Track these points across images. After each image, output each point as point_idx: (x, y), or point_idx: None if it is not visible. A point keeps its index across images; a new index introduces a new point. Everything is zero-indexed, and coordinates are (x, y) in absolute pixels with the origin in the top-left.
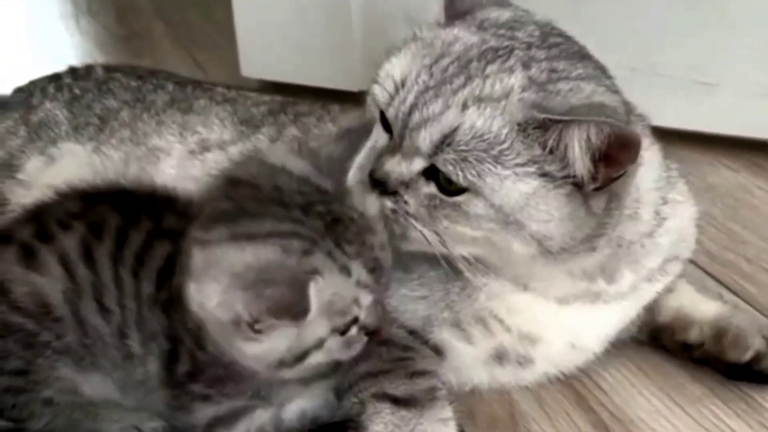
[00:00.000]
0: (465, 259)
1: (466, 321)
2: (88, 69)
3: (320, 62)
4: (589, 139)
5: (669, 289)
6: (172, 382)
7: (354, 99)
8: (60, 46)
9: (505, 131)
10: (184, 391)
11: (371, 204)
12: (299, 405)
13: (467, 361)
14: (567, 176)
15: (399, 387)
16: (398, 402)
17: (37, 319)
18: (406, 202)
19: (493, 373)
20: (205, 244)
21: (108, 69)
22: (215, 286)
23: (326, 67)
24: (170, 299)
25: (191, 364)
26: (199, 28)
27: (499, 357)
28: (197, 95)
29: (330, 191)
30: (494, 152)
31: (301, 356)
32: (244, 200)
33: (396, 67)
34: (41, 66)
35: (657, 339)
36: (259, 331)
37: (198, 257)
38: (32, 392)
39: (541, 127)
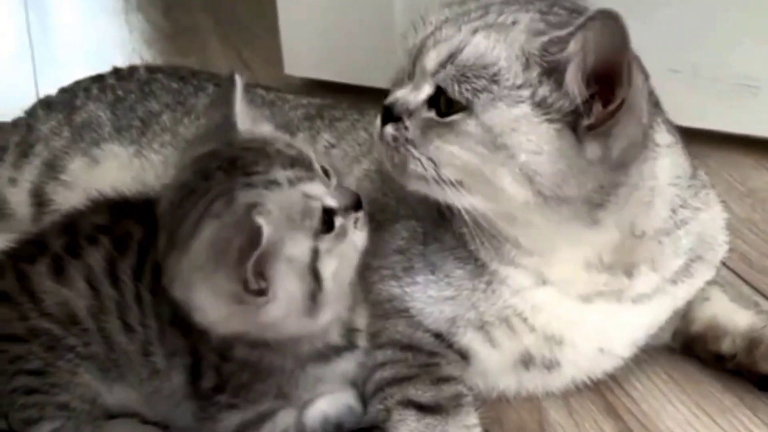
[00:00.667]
0: (453, 184)
1: (490, 322)
2: (131, 70)
3: (362, 61)
4: (582, 51)
5: (703, 298)
6: (197, 395)
7: None
8: (108, 42)
9: (505, 54)
10: (210, 402)
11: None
12: (322, 409)
13: (493, 365)
14: (560, 109)
15: (424, 394)
16: (423, 409)
17: (65, 326)
18: (406, 128)
19: (519, 378)
20: (172, 281)
21: (150, 70)
22: (202, 293)
23: (368, 66)
24: (186, 322)
25: (216, 377)
26: (246, 25)
27: (525, 361)
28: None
29: (217, 147)
30: (492, 72)
31: (315, 275)
32: (169, 222)
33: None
34: (89, 63)
35: (690, 348)
36: (262, 291)
37: (177, 293)
38: (47, 394)
39: (541, 52)
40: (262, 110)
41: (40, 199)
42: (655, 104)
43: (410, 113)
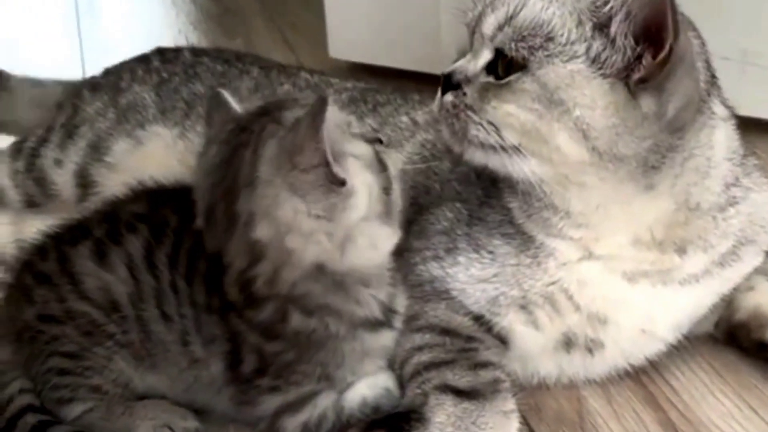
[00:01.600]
0: (517, 149)
1: (533, 301)
2: (176, 52)
3: (407, 45)
4: (628, 4)
5: (748, 287)
6: (237, 379)
7: (439, 83)
8: (155, 23)
9: (558, 12)
10: (251, 386)
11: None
12: (360, 392)
13: (533, 348)
14: (613, 63)
15: (462, 379)
16: (461, 394)
17: (106, 312)
18: (464, 94)
19: (560, 362)
20: (250, 220)
21: (195, 52)
22: (286, 201)
23: (413, 51)
24: (225, 305)
25: (257, 360)
26: (292, 7)
27: (567, 343)
28: (281, 81)
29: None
30: (547, 30)
31: (381, 165)
32: (216, 194)
33: None
34: (136, 44)
35: (733, 337)
36: (343, 181)
37: (261, 230)
38: (81, 376)
39: (591, 7)
40: (306, 93)
41: (84, 181)
42: (712, 76)
43: (468, 80)
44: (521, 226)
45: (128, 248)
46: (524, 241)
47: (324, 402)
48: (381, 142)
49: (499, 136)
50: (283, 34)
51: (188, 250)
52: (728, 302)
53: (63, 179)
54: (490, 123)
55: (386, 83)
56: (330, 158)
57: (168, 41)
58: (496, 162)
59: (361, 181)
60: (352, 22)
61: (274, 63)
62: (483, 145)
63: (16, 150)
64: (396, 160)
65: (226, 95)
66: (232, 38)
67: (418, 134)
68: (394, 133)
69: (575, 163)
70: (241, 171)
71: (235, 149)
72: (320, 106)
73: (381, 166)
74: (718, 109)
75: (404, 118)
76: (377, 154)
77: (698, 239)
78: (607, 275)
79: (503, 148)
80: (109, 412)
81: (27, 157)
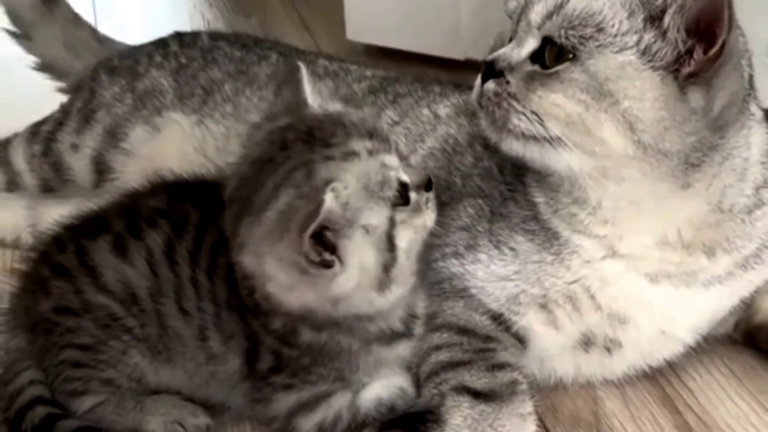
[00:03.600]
0: (559, 140)
1: (554, 300)
2: (194, 36)
3: (426, 29)
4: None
5: None
6: (253, 375)
7: (459, 68)
8: (173, 4)
9: (609, 2)
10: (266, 383)
11: None
12: (376, 392)
13: (552, 348)
14: (664, 56)
15: (479, 380)
16: (478, 396)
17: (125, 305)
18: (508, 82)
19: (578, 362)
20: (242, 247)
21: (213, 36)
22: (270, 259)
23: (432, 34)
24: (245, 305)
25: (274, 360)
26: None
27: (586, 343)
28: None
29: (293, 121)
30: (597, 20)
31: (391, 244)
32: (242, 192)
33: None
34: (151, 21)
35: (752, 339)
36: (328, 264)
37: (247, 260)
38: (94, 369)
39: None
40: (324, 81)
41: (101, 167)
42: (751, 76)
43: (512, 68)
44: (547, 221)
45: (148, 243)
46: (548, 237)
47: (339, 402)
48: (430, 185)
49: (542, 126)
50: (300, 13)
51: (210, 246)
52: (748, 304)
53: (80, 165)
54: (534, 113)
55: (403, 67)
56: (310, 254)
57: (184, 18)
58: (534, 153)
59: (357, 260)
60: (370, 4)
61: (293, 49)
62: (524, 135)
63: (32, 133)
64: (427, 220)
65: (303, 74)
66: (248, 16)
67: (440, 128)
68: (415, 127)
69: (619, 156)
70: (258, 195)
71: (269, 162)
72: (316, 210)
73: (389, 244)
74: (756, 110)
75: (425, 111)
76: (392, 229)
77: (725, 241)
78: (630, 275)
79: (545, 139)
80: (120, 406)
81: (44, 141)
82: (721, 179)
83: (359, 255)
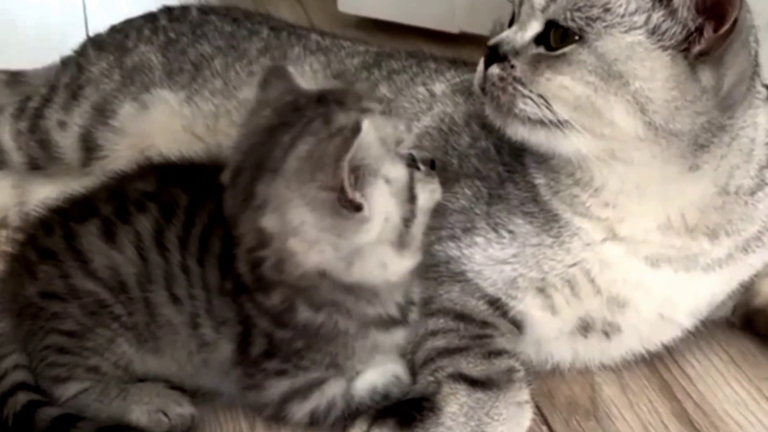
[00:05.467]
0: (567, 123)
1: (553, 284)
2: (184, 10)
3: (419, 1)
4: None
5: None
6: (245, 361)
7: (453, 41)
8: None
9: None
10: (258, 369)
11: None
12: (370, 380)
13: (549, 333)
14: (673, 35)
15: (475, 368)
16: (474, 383)
17: (114, 292)
18: (512, 67)
19: (576, 347)
20: (262, 207)
21: (203, 11)
22: (295, 207)
23: (426, 7)
24: (238, 287)
25: (267, 344)
26: None
27: (584, 327)
28: (292, 43)
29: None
30: (604, 1)
31: (411, 194)
32: (253, 158)
33: None
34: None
35: (750, 322)
36: (359, 206)
37: (268, 221)
38: (79, 356)
39: None
40: (317, 56)
41: (89, 145)
42: (756, 55)
43: (516, 52)
44: (547, 203)
45: (137, 227)
46: (547, 220)
47: (333, 390)
48: (434, 165)
49: (549, 110)
50: None
51: (201, 231)
52: (747, 288)
53: (67, 142)
54: (540, 96)
55: (396, 41)
56: (347, 185)
57: None
58: (540, 137)
59: (382, 208)
60: None
61: (284, 23)
62: (530, 120)
63: (19, 109)
64: (436, 191)
65: (290, 69)
66: None
67: (436, 106)
68: (410, 105)
69: (628, 137)
70: (273, 153)
71: (281, 125)
72: (353, 132)
73: (410, 196)
74: (761, 88)
75: (420, 89)
76: (412, 183)
77: (728, 224)
78: (630, 258)
79: (552, 123)
80: (104, 393)
81: (30, 117)
82: (728, 160)
83: (384, 203)
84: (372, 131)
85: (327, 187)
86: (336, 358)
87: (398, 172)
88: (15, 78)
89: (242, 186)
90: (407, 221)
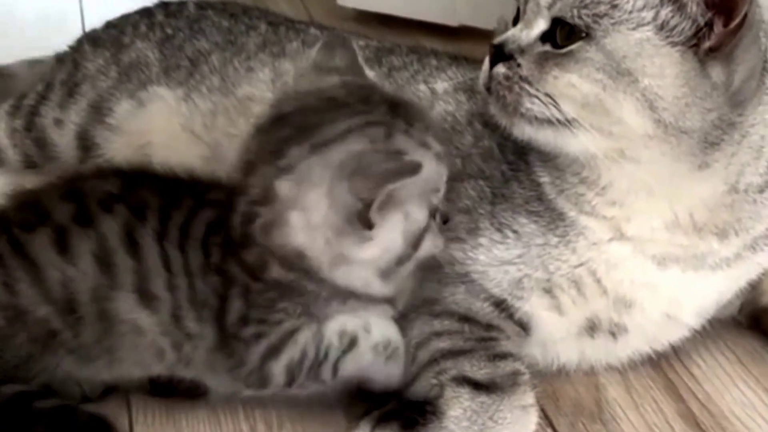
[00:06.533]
0: (576, 122)
1: (559, 284)
2: (180, 5)
3: None
4: None
5: None
6: (224, 338)
7: (453, 35)
8: None
9: None
10: (237, 340)
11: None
12: (340, 322)
13: (556, 334)
14: (682, 31)
15: (480, 370)
16: (478, 387)
17: (63, 315)
18: (519, 65)
19: (582, 347)
20: (287, 170)
21: (200, 6)
22: (318, 191)
23: (426, 0)
24: (226, 250)
25: (242, 304)
26: None
27: (591, 328)
28: (290, 38)
29: (370, 83)
30: None
31: (417, 242)
32: (302, 120)
33: None
34: None
35: (757, 321)
36: (371, 226)
37: (284, 185)
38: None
39: None
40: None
41: (86, 143)
42: (766, 50)
43: (522, 51)
44: (552, 202)
45: (101, 229)
46: (553, 219)
47: (304, 336)
48: (447, 221)
49: (557, 108)
50: None
51: (181, 221)
52: (754, 286)
53: (64, 141)
54: (548, 95)
55: (395, 34)
56: (375, 206)
57: None
58: (548, 136)
59: (388, 239)
60: None
61: (282, 18)
62: (537, 119)
63: (14, 107)
64: (438, 247)
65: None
66: None
67: (438, 105)
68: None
69: (638, 136)
70: (325, 128)
71: (345, 105)
72: (411, 170)
73: (416, 242)
74: None
75: (422, 87)
76: (424, 232)
77: (737, 222)
78: (637, 258)
79: (559, 121)
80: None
81: (26, 115)
82: (739, 158)
83: (392, 236)
84: (423, 174)
85: (357, 195)
86: (308, 308)
87: (419, 215)
88: None
89: (277, 138)
90: (401, 261)
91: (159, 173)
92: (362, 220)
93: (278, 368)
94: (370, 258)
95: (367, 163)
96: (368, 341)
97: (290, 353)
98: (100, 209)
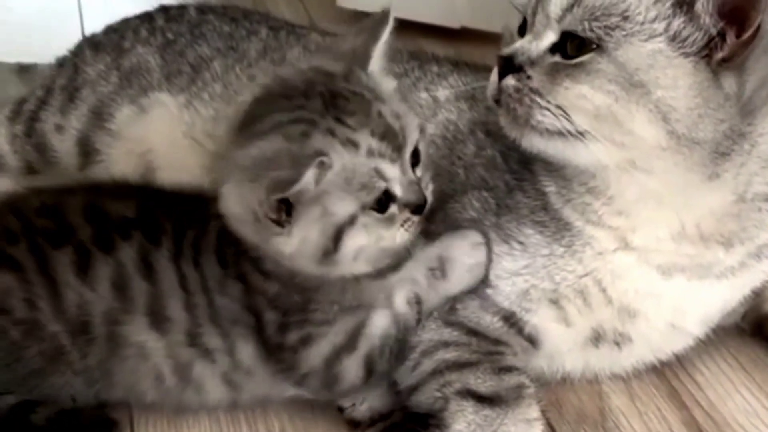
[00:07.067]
0: (588, 133)
1: (565, 295)
2: (181, 9)
3: None
4: None
5: None
6: (269, 351)
7: (454, 37)
8: None
9: None
10: (282, 349)
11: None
12: (401, 294)
13: (562, 345)
14: (694, 42)
15: (484, 383)
16: (483, 400)
17: (73, 333)
18: (529, 77)
19: (587, 357)
20: (224, 159)
21: (201, 10)
22: (229, 187)
23: (427, 1)
24: (238, 258)
25: (273, 311)
26: None
27: (596, 338)
28: (291, 43)
29: (336, 73)
30: (622, 9)
31: (337, 236)
32: (256, 109)
33: None
34: None
35: (761, 328)
36: (280, 223)
37: (221, 170)
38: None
39: None
40: None
41: (86, 149)
42: None
43: (532, 62)
44: (558, 211)
45: (120, 257)
46: (559, 229)
47: (379, 324)
48: (418, 211)
49: (568, 120)
50: None
51: (192, 239)
52: (758, 293)
53: (64, 146)
54: (559, 107)
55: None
56: (271, 206)
57: None
58: (557, 148)
59: (303, 232)
60: None
61: (283, 22)
62: (548, 131)
63: (14, 112)
64: (398, 237)
65: (387, 29)
66: None
67: (440, 113)
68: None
69: (650, 147)
70: (261, 120)
71: (286, 98)
72: (295, 178)
73: (336, 236)
74: None
75: (424, 95)
76: (345, 227)
77: (742, 231)
78: (642, 267)
79: (570, 133)
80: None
81: (26, 120)
82: (748, 168)
83: (306, 229)
84: (340, 173)
85: (257, 196)
86: (343, 302)
87: (341, 209)
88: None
89: (234, 126)
90: (326, 254)
91: (168, 191)
92: (269, 219)
93: (354, 366)
94: (293, 251)
95: (268, 167)
96: (422, 287)
97: (367, 346)
98: (118, 236)
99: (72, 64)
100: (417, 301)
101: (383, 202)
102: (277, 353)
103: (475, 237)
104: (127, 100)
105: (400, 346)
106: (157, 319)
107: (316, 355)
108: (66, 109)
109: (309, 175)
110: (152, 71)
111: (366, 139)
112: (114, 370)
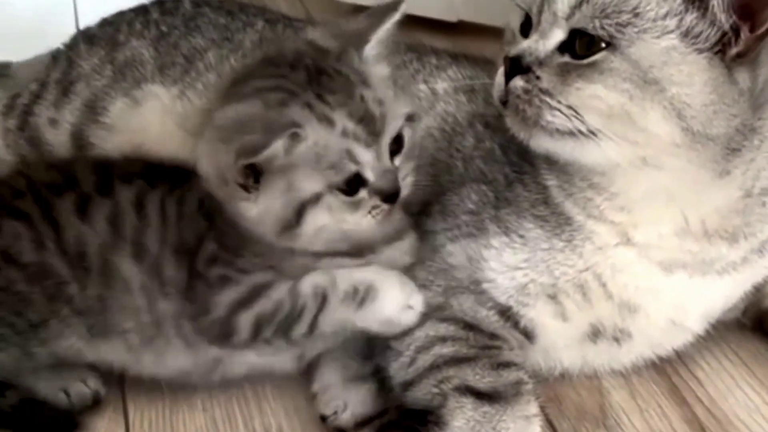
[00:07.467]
0: (600, 132)
1: (564, 290)
2: (176, 2)
3: None
4: None
5: None
6: (191, 280)
7: (452, 30)
8: None
9: None
10: (203, 282)
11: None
12: (315, 277)
13: (560, 340)
14: (707, 38)
15: (483, 379)
16: (481, 396)
17: (72, 265)
18: (538, 78)
19: (585, 353)
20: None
21: (196, 3)
22: (204, 144)
23: None
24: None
25: (215, 244)
26: None
27: (595, 334)
28: (287, 36)
29: (330, 50)
30: (633, 5)
31: (299, 211)
32: (247, 70)
33: None
34: None
35: (761, 324)
36: (247, 188)
37: (203, 128)
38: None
39: None
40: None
41: (80, 143)
42: None
43: (541, 63)
44: (559, 205)
45: (118, 197)
46: (559, 223)
47: (279, 293)
48: (390, 200)
49: (580, 120)
50: None
51: (183, 186)
52: (759, 288)
53: (59, 140)
54: (570, 107)
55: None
56: (239, 170)
57: None
58: (567, 148)
59: (267, 201)
60: None
61: (280, 15)
62: (558, 131)
63: (7, 106)
64: (363, 222)
65: (395, 17)
66: None
67: (438, 105)
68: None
69: (664, 144)
70: (246, 82)
71: (274, 65)
72: (264, 145)
73: (298, 213)
74: None
75: (422, 87)
76: (307, 205)
77: (746, 226)
78: (643, 263)
79: (581, 133)
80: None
81: (20, 114)
82: (757, 163)
83: (271, 199)
84: (312, 148)
85: (228, 158)
86: (267, 261)
87: (306, 186)
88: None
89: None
90: (287, 227)
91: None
92: (236, 182)
93: (246, 320)
94: (252, 216)
95: (242, 131)
96: (336, 295)
97: (262, 306)
98: (120, 181)
99: (66, 58)
100: (322, 299)
101: (353, 185)
102: (197, 285)
103: (417, 303)
104: (121, 93)
105: (287, 322)
106: (138, 249)
107: (225, 300)
108: (60, 103)
109: (279, 144)
110: (146, 63)
111: (342, 119)
112: (107, 306)
